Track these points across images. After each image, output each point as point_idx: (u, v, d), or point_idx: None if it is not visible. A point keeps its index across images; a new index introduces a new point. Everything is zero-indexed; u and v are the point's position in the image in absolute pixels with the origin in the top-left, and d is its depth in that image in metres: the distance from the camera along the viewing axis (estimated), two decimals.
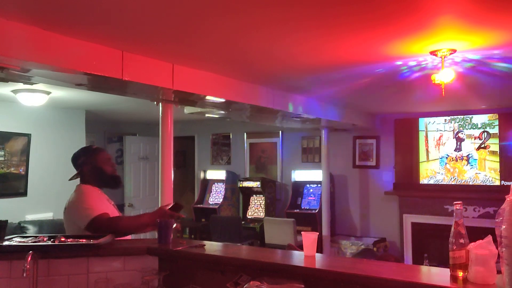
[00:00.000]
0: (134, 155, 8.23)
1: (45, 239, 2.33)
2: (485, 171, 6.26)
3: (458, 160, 6.45)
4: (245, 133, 8.31)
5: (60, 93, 4.96)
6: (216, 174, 8.30)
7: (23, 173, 5.95)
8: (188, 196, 9.39)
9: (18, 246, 2.22)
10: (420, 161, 6.73)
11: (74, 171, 2.84)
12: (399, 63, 3.52)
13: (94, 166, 2.78)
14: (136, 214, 2.72)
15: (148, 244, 2.42)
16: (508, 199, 1.48)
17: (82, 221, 2.56)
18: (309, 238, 2.15)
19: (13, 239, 2.35)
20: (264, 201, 7.56)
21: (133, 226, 2.68)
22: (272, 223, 6.69)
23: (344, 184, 7.43)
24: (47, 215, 5.99)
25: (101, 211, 2.57)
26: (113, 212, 2.75)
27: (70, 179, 2.85)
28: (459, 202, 1.69)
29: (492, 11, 2.42)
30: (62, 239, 2.31)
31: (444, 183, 6.53)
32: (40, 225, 5.64)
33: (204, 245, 2.44)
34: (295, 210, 7.24)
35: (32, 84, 3.64)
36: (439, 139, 6.61)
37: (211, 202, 8.08)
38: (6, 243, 2.26)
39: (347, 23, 2.60)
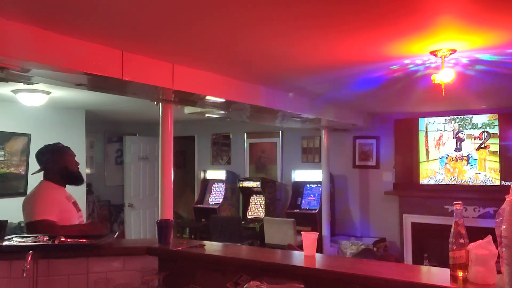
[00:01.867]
0: (134, 155, 8.23)
1: (45, 239, 2.33)
2: (485, 171, 6.26)
3: (458, 160, 6.45)
4: (245, 133, 8.30)
5: (60, 93, 4.96)
6: (216, 174, 8.30)
7: (23, 173, 5.94)
8: (188, 196, 9.40)
9: (18, 246, 2.22)
10: (420, 161, 6.72)
11: None
12: (399, 63, 3.52)
13: (59, 165, 2.89)
14: (72, 224, 2.81)
15: (148, 244, 2.42)
16: (508, 199, 1.48)
17: (25, 218, 2.68)
18: (309, 238, 2.15)
19: (13, 239, 2.35)
20: (264, 201, 7.55)
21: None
22: (272, 223, 6.69)
23: (344, 184, 7.43)
24: None
25: (44, 216, 2.63)
26: (70, 211, 2.82)
27: (33, 174, 2.98)
28: (459, 202, 1.69)
29: (492, 11, 2.42)
30: (62, 239, 2.31)
31: (444, 183, 6.53)
32: None
33: (204, 245, 2.44)
34: (295, 210, 7.24)
35: (32, 84, 3.64)
36: (439, 139, 6.61)
37: (211, 202, 8.08)
38: (6, 243, 2.26)
39: (346, 22, 2.60)
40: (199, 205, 8.13)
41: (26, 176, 5.95)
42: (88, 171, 7.53)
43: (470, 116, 6.37)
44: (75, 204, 2.95)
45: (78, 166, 3.04)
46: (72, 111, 6.55)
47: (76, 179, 2.97)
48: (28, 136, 5.98)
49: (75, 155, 3.05)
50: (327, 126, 6.66)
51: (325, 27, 2.70)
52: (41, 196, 2.79)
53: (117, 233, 2.83)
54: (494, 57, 3.35)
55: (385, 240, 6.81)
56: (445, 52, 3.08)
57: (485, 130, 6.27)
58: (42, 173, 2.93)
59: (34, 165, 5.90)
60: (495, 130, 6.20)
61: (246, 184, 7.74)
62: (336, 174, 7.31)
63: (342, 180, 7.42)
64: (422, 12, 2.41)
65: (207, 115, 5.54)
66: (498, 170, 6.14)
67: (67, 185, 2.97)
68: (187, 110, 5.24)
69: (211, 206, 7.89)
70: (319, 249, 6.39)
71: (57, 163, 2.89)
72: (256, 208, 7.71)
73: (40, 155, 2.95)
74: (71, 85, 3.53)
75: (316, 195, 7.31)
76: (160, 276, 2.23)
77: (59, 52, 2.80)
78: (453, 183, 6.47)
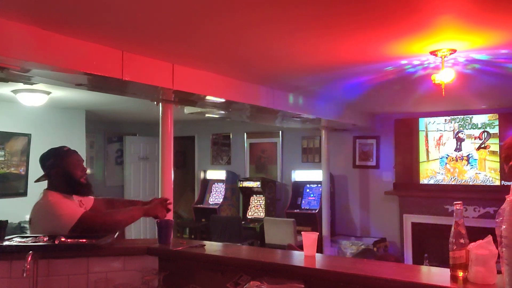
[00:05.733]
0: (134, 155, 8.23)
1: (45, 239, 2.33)
2: (485, 171, 6.25)
3: (458, 160, 6.45)
4: (245, 133, 8.30)
5: (60, 93, 4.96)
6: (216, 174, 8.30)
7: (23, 173, 5.94)
8: (188, 196, 9.39)
9: (18, 246, 2.22)
10: (420, 161, 6.72)
11: None
12: (399, 63, 3.52)
13: (63, 170, 2.55)
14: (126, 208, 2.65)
15: (148, 244, 2.42)
16: (508, 199, 1.48)
17: (65, 226, 2.36)
18: (309, 238, 2.15)
19: (13, 239, 2.35)
20: (264, 201, 7.55)
21: (124, 221, 2.58)
22: (272, 223, 6.68)
23: (344, 184, 7.43)
24: None
25: (81, 211, 2.42)
26: None
27: (36, 181, 2.65)
28: (459, 202, 1.69)
29: (492, 11, 2.42)
30: (62, 239, 2.30)
31: (444, 183, 6.53)
32: None
33: (204, 245, 2.44)
34: (295, 210, 7.24)
35: (32, 84, 3.64)
36: (439, 139, 6.61)
37: (211, 202, 8.08)
38: (6, 243, 2.26)
39: (347, 23, 2.60)
40: (199, 205, 8.13)
41: (26, 176, 5.95)
42: (88, 171, 7.53)
43: (470, 116, 6.37)
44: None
45: (86, 173, 2.66)
46: (72, 111, 6.55)
47: (80, 187, 2.56)
48: (28, 136, 5.98)
49: (83, 161, 2.68)
50: (327, 126, 6.66)
51: (325, 28, 2.70)
52: (56, 204, 2.44)
53: (117, 233, 2.82)
54: (494, 57, 3.34)
55: (385, 240, 6.81)
56: (445, 52, 3.08)
57: (485, 130, 6.27)
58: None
59: (34, 165, 5.98)
60: (495, 130, 6.20)
61: (246, 184, 7.74)
62: (336, 174, 7.31)
63: (342, 180, 7.42)
64: (422, 12, 2.41)
65: (207, 115, 5.54)
66: (498, 170, 6.14)
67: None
68: (187, 110, 5.24)
69: (211, 206, 7.89)
70: (319, 249, 6.38)
71: (60, 167, 2.54)
72: (256, 208, 7.71)
73: (43, 160, 2.63)
74: (71, 85, 3.53)
75: (316, 195, 7.31)
76: (160, 276, 2.23)
77: (59, 52, 2.80)
78: (453, 183, 6.47)
